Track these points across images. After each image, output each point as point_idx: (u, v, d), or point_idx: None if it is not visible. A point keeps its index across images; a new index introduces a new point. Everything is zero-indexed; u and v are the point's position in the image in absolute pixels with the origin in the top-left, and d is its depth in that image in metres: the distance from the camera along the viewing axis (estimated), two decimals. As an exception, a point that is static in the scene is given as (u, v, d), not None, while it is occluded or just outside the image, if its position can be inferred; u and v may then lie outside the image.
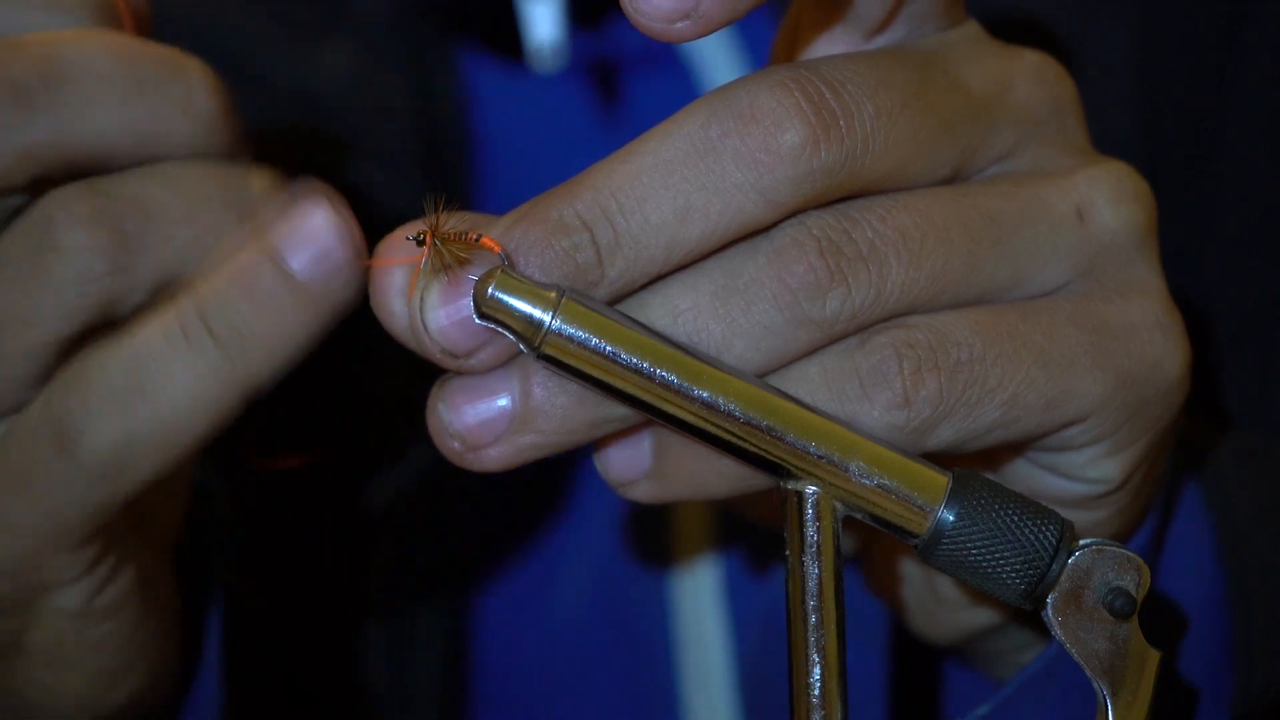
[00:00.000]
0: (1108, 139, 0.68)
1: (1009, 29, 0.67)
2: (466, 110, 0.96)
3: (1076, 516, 0.64)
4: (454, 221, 0.59)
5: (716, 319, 0.59)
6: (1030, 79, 0.64)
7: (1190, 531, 0.73)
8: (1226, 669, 0.74)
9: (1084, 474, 0.64)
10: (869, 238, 0.59)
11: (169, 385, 0.58)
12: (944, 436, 0.60)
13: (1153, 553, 0.71)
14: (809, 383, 0.60)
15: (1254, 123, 0.91)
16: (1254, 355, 0.88)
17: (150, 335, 0.59)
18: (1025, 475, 0.65)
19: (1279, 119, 0.91)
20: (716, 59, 0.96)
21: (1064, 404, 0.61)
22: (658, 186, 0.58)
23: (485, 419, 0.59)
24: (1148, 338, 0.62)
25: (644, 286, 0.59)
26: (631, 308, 0.59)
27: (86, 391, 0.58)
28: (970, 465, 0.63)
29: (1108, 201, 0.63)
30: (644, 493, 0.62)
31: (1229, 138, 0.91)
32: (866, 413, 0.59)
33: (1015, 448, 0.65)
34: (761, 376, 0.60)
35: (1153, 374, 0.62)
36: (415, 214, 0.59)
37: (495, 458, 0.60)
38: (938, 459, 0.61)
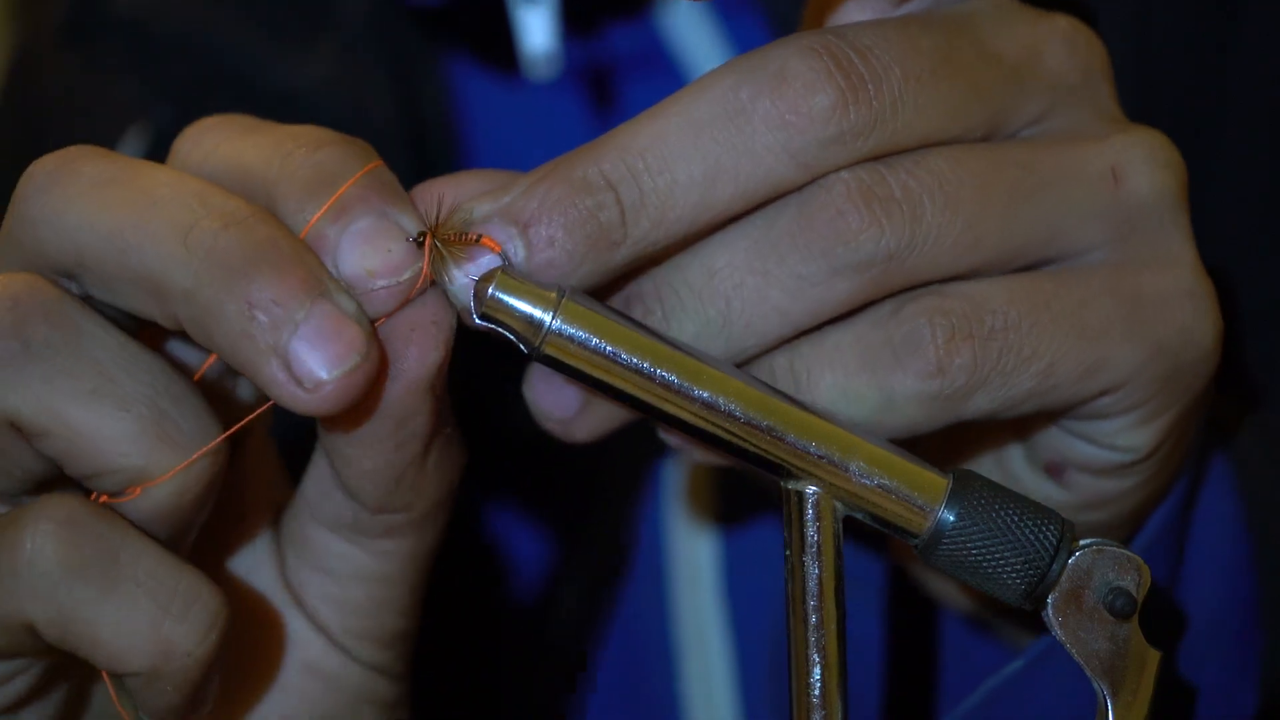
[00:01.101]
0: None
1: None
2: (452, 115, 0.96)
3: (1106, 484, 0.64)
4: (471, 181, 0.60)
5: (752, 273, 0.59)
6: (1061, 45, 0.63)
7: (1218, 498, 0.73)
8: (1257, 634, 0.75)
9: (1115, 442, 0.64)
10: (903, 180, 0.59)
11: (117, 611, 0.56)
12: (979, 405, 0.60)
13: (1181, 518, 0.71)
14: (842, 351, 0.60)
15: (1254, 122, 0.91)
16: (1254, 356, 0.88)
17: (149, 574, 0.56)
18: (1057, 442, 0.65)
19: (1279, 119, 0.91)
20: (709, 65, 0.95)
21: (1098, 373, 0.61)
22: (687, 146, 0.58)
23: (559, 402, 0.65)
24: (1180, 307, 0.62)
25: (673, 250, 0.59)
26: (668, 269, 0.60)
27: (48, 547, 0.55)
28: (1003, 432, 0.63)
29: (1141, 166, 0.63)
30: (695, 458, 0.67)
31: (1229, 137, 0.91)
32: (900, 381, 0.59)
33: (1048, 415, 0.64)
34: (801, 334, 0.60)
35: (1185, 343, 0.62)
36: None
37: (578, 433, 0.66)
38: (971, 426, 0.60)
